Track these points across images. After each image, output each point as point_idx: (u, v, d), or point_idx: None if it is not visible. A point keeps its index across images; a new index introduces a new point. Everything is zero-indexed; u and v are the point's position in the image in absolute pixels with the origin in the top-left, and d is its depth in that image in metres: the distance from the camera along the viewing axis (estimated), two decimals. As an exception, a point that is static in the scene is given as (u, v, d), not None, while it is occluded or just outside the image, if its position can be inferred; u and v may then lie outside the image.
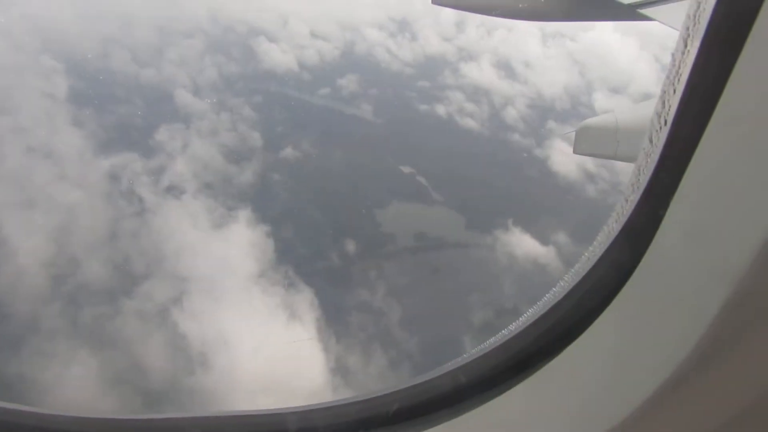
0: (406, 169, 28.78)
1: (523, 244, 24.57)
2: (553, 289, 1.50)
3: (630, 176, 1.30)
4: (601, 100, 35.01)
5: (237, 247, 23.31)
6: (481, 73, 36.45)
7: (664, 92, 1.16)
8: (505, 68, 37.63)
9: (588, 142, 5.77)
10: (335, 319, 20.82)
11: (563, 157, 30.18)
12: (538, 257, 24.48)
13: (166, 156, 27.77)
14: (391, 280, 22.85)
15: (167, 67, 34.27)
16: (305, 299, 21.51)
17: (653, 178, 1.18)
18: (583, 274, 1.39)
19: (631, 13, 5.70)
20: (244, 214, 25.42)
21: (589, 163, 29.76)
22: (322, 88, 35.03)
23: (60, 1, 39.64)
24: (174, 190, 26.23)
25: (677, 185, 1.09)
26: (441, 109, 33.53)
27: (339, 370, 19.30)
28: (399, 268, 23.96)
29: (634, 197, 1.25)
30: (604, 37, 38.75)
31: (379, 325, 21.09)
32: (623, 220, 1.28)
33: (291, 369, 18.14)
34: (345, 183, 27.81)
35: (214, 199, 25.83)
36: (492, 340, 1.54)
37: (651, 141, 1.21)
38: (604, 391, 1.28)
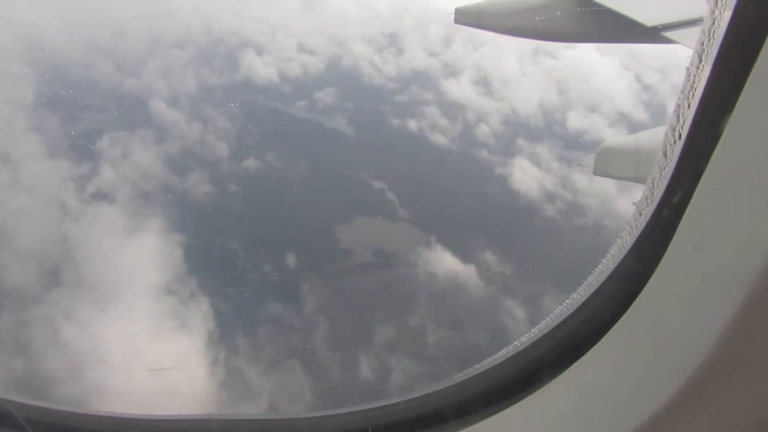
0: (377, 184, 28.66)
1: (445, 263, 24.33)
2: (566, 301, 1.51)
3: (644, 189, 1.31)
4: (574, 118, 34.86)
5: (161, 258, 23.08)
6: (461, 89, 36.66)
7: (679, 106, 1.18)
8: (485, 84, 37.77)
9: (608, 164, 5.75)
10: (237, 334, 20.48)
11: (525, 175, 30.01)
12: (470, 277, 24.13)
13: (116, 163, 27.57)
14: (323, 297, 22.52)
15: (150, 78, 34.67)
16: (212, 312, 21.18)
17: (667, 191, 1.19)
18: (597, 286, 1.39)
19: (655, 36, 5.68)
20: (185, 224, 25.18)
21: (548, 182, 29.56)
22: (300, 101, 35.31)
23: (51, 11, 40.59)
24: (109, 197, 26.21)
25: (690, 198, 1.10)
26: (416, 124, 33.57)
27: (219, 386, 18.92)
28: (340, 284, 23.62)
29: (648, 210, 1.26)
30: (586, 55, 38.76)
31: (283, 344, 20.77)
32: (637, 232, 1.29)
33: (162, 384, 17.81)
34: (309, 196, 27.64)
35: (154, 209, 25.71)
36: (504, 351, 1.54)
37: (665, 155, 1.23)
38: (618, 401, 1.27)
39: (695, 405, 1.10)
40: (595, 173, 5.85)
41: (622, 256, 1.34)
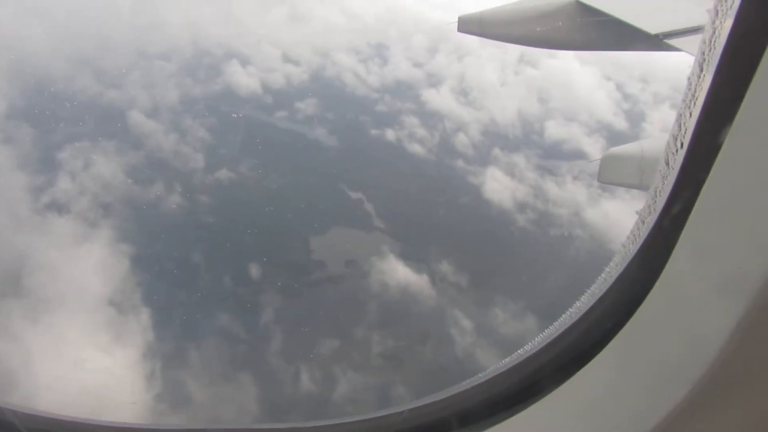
0: (356, 195, 28.58)
1: (404, 276, 24.19)
2: (569, 310, 1.51)
3: (646, 198, 1.31)
4: (553, 127, 34.93)
5: (116, 269, 22.87)
6: (443, 99, 36.83)
7: (680, 115, 1.19)
8: (466, 94, 37.90)
9: (612, 171, 5.74)
10: (188, 347, 20.16)
11: (497, 185, 30.00)
12: (439, 289, 23.95)
13: (76, 174, 27.49)
14: (287, 309, 22.17)
15: (132, 89, 34.80)
16: (167, 325, 20.87)
17: (670, 200, 1.19)
18: (600, 294, 1.39)
19: (658, 44, 5.69)
20: (150, 235, 24.94)
21: (521, 192, 29.49)
22: (281, 111, 35.34)
23: (37, 23, 40.96)
24: (67, 208, 26.02)
25: (693, 206, 1.10)
26: (398, 135, 33.58)
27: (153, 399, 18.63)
28: (306, 296, 23.38)
29: (651, 219, 1.26)
30: (568, 65, 39.05)
31: (232, 357, 20.52)
32: (640, 241, 1.29)
33: (95, 397, 17.63)
34: (285, 207, 27.46)
35: (119, 220, 25.46)
36: (507, 359, 1.54)
37: (668, 163, 1.23)
38: (622, 409, 1.27)
39: (700, 412, 1.10)
40: (600, 180, 5.85)
41: (625, 264, 1.34)
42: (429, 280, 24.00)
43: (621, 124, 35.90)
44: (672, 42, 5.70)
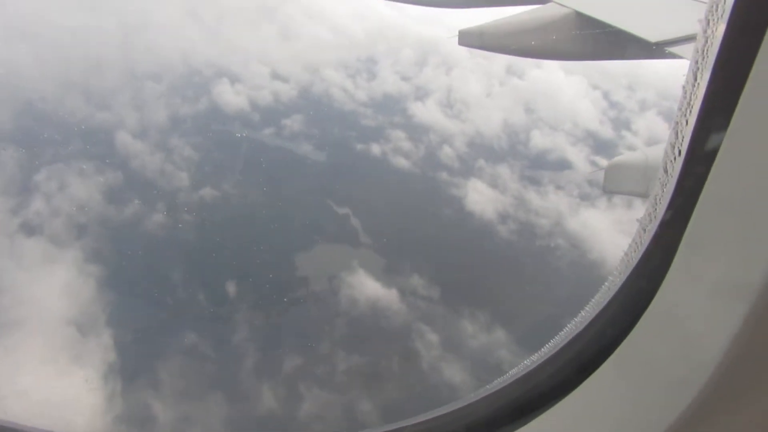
0: (342, 210, 28.49)
1: (388, 292, 23.98)
2: (575, 319, 1.51)
3: (647, 206, 1.32)
4: (538, 137, 34.98)
5: (92, 289, 22.71)
6: (429, 112, 36.97)
7: (677, 123, 1.20)
8: (453, 107, 38.12)
9: (617, 179, 5.74)
10: (165, 367, 20.03)
11: (479, 196, 29.93)
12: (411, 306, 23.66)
13: (51, 196, 27.82)
14: (263, 328, 22.00)
15: (120, 110, 35.04)
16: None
17: (670, 207, 1.20)
18: (605, 303, 1.40)
19: (659, 52, 5.72)
20: (131, 254, 24.90)
21: (501, 203, 29.38)
22: (268, 129, 35.47)
23: (26, 45, 41.58)
24: (40, 230, 26.07)
25: (692, 212, 1.12)
26: (384, 149, 33.59)
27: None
28: (286, 313, 23.13)
29: (652, 227, 1.27)
30: (553, 75, 39.34)
31: (211, 376, 20.31)
32: (642, 249, 1.30)
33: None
34: (270, 225, 27.33)
35: (97, 241, 25.43)
36: (513, 371, 1.54)
37: (666, 171, 1.25)
38: (628, 417, 1.27)
39: (706, 419, 1.10)
40: (605, 190, 5.84)
41: (628, 272, 1.35)
42: (413, 296, 23.86)
43: (607, 132, 36.03)
44: (672, 50, 5.73)
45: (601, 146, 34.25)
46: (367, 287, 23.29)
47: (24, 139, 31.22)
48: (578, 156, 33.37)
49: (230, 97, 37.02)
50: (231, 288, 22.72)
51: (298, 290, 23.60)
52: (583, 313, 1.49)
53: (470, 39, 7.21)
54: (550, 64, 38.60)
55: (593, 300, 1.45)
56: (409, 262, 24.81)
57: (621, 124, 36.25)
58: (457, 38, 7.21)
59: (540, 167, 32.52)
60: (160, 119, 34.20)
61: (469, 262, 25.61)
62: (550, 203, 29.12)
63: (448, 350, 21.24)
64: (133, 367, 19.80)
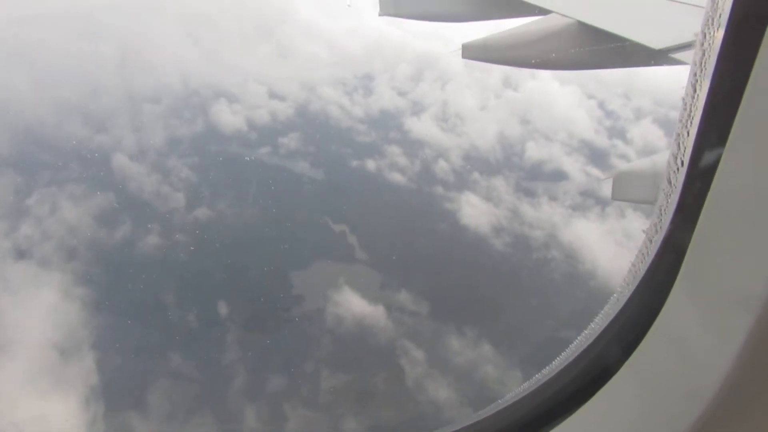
0: (339, 228, 28.37)
1: (382, 310, 23.74)
2: (584, 331, 1.51)
3: (652, 217, 1.33)
4: (533, 149, 34.98)
5: (89, 311, 22.61)
6: (424, 126, 37.14)
7: (679, 135, 1.22)
8: (448, 120, 38.26)
9: (626, 188, 5.71)
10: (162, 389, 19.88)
11: (473, 210, 29.79)
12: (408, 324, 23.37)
13: (43, 219, 27.89)
14: (259, 346, 21.72)
15: (118, 132, 35.26)
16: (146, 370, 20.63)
17: (675, 217, 1.21)
18: (613, 315, 1.40)
19: (664, 59, 5.72)
20: (125, 276, 24.82)
21: (494, 216, 29.20)
22: (266, 147, 35.58)
23: (26, 68, 42.17)
24: (30, 254, 26.05)
25: (697, 222, 1.12)
26: (381, 165, 33.58)
27: None
28: (281, 332, 22.89)
29: (658, 237, 1.27)
30: (547, 86, 39.52)
31: (210, 396, 20.12)
32: (648, 260, 1.30)
33: None
34: (267, 243, 27.21)
35: (93, 264, 25.37)
36: (521, 387, 1.54)
37: (669, 182, 1.26)
38: (642, 426, 1.27)
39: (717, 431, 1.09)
40: (614, 198, 5.82)
41: (636, 284, 1.35)
42: (407, 312, 23.69)
43: (602, 141, 36.06)
44: (676, 56, 5.73)
45: (596, 155, 34.37)
46: (358, 305, 23.20)
47: (21, 161, 31.67)
48: (573, 166, 33.48)
49: (228, 117, 37.41)
50: (226, 307, 22.65)
51: (298, 308, 23.60)
52: (592, 325, 1.49)
53: (474, 52, 7.25)
54: (545, 76, 38.84)
55: (602, 312, 1.45)
56: (405, 279, 24.73)
57: (616, 132, 36.33)
58: (460, 52, 7.26)
59: (536, 178, 32.57)
60: (158, 140, 34.58)
61: (467, 277, 25.47)
62: (546, 214, 29.07)
63: (444, 365, 21.07)
64: (133, 386, 19.89)
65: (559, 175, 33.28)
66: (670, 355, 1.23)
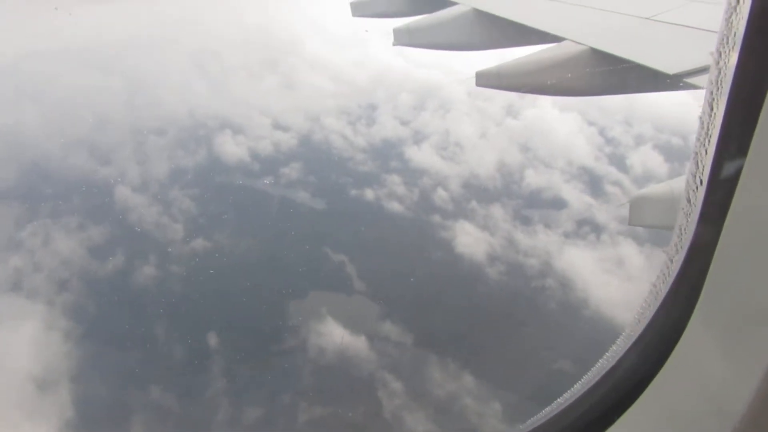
0: (338, 258, 28.19)
1: (377, 343, 23.21)
2: (604, 356, 1.49)
3: (672, 237, 1.32)
4: (532, 176, 34.81)
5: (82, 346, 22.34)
6: (425, 156, 37.29)
7: (697, 153, 1.22)
8: (448, 149, 38.46)
9: (644, 213, 5.67)
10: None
11: (468, 239, 29.47)
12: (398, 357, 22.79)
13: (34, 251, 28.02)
14: (249, 380, 21.32)
15: (123, 165, 35.80)
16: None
17: (695, 237, 1.20)
18: (635, 337, 1.38)
19: (678, 84, 5.73)
20: (116, 310, 24.77)
21: (488, 244, 28.80)
22: (267, 178, 35.95)
23: (32, 102, 43.25)
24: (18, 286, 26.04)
25: (718, 240, 1.12)
26: (383, 194, 33.53)
27: None
28: (274, 365, 22.41)
29: (679, 257, 1.27)
30: (548, 114, 39.70)
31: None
32: (670, 280, 1.29)
33: None
34: (264, 275, 27.06)
35: (87, 297, 25.28)
36: (539, 415, 1.52)
37: (689, 201, 1.25)
38: None
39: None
40: (631, 224, 5.78)
41: (657, 304, 1.34)
42: (392, 343, 23.30)
43: (603, 168, 35.91)
44: (692, 81, 5.73)
45: (596, 182, 34.21)
46: (351, 336, 22.85)
47: (20, 193, 32.20)
48: (571, 193, 33.25)
49: (231, 147, 37.88)
50: (217, 338, 22.29)
51: (292, 339, 23.20)
52: (613, 348, 1.47)
53: (488, 80, 7.34)
54: (546, 103, 39.14)
55: (623, 334, 1.43)
56: (400, 311, 24.34)
57: (616, 159, 36.27)
58: (473, 80, 7.35)
59: (534, 206, 32.35)
60: (160, 172, 35.01)
61: (461, 309, 25.08)
62: (543, 242, 28.80)
63: (430, 396, 20.54)
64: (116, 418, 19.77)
65: (558, 203, 33.27)
66: (695, 376, 1.21)
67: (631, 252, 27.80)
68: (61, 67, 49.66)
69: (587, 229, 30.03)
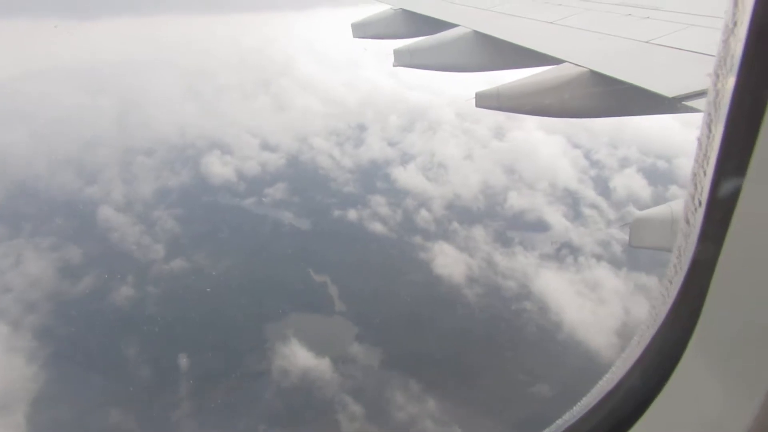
0: (320, 278, 28.02)
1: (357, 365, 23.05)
2: (605, 376, 1.48)
3: (671, 258, 1.32)
4: (514, 198, 35.04)
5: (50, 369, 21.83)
6: (411, 176, 37.57)
7: (695, 175, 1.22)
8: (433, 170, 38.73)
9: (644, 234, 5.68)
10: None
11: (447, 260, 29.49)
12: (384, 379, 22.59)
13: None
14: (223, 403, 20.62)
15: (108, 185, 35.81)
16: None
17: (695, 258, 1.20)
18: (636, 358, 1.37)
19: (676, 106, 5.77)
20: (96, 329, 24.25)
21: (468, 267, 28.74)
22: (252, 198, 35.87)
23: (24, 120, 43.46)
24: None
25: (717, 261, 1.12)
26: (366, 215, 33.61)
27: None
28: (249, 388, 22.03)
29: (678, 277, 1.26)
30: (531, 136, 40.20)
31: None
32: (670, 301, 1.29)
33: None
34: (244, 295, 26.74)
35: (63, 319, 24.65)
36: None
37: (688, 222, 1.25)
38: None
39: None
40: (632, 245, 5.77)
41: (656, 326, 1.33)
42: (385, 366, 23.06)
43: (586, 191, 36.16)
44: (691, 104, 5.78)
45: (578, 205, 34.54)
46: (329, 358, 22.55)
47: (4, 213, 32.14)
48: (554, 216, 33.41)
49: (218, 168, 38.15)
50: (196, 359, 22.31)
51: (270, 360, 22.65)
52: (614, 368, 1.46)
53: (487, 101, 7.38)
54: (532, 126, 39.50)
55: (624, 354, 1.42)
56: (380, 332, 24.13)
57: (600, 182, 36.47)
58: (473, 101, 7.39)
59: (515, 227, 32.48)
60: (146, 192, 35.03)
61: (440, 330, 24.85)
62: (520, 264, 28.71)
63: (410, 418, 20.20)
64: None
65: (540, 225, 33.29)
66: (694, 400, 1.20)
67: (608, 275, 27.71)
68: (52, 87, 49.99)
69: (566, 251, 30.04)
